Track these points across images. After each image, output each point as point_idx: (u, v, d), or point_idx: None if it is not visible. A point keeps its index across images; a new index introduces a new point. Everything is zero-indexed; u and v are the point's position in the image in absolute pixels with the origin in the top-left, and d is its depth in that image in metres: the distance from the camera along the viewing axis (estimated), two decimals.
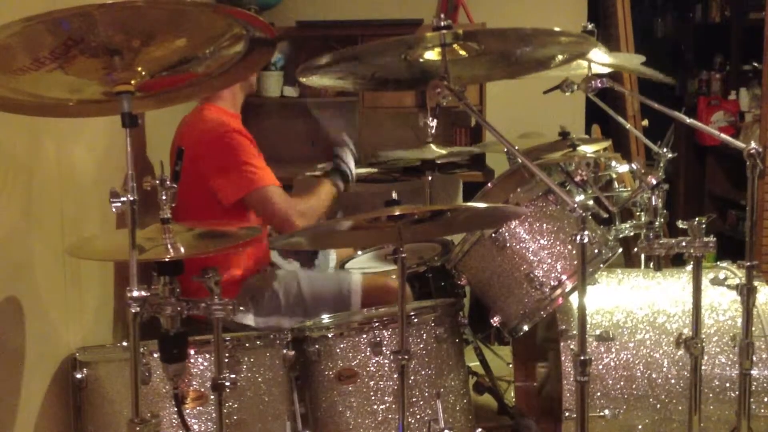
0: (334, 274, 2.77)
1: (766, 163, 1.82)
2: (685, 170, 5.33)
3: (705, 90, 5.32)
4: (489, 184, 2.26)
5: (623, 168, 2.65)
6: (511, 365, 2.99)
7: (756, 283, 1.82)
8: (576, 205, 1.55)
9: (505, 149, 2.45)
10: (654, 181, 2.02)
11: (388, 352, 2.07)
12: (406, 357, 1.79)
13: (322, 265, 2.92)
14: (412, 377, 2.08)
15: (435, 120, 2.38)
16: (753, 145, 1.76)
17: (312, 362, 2.14)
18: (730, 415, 2.12)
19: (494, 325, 2.27)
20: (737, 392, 1.89)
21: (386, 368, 2.08)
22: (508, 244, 2.18)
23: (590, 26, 2.23)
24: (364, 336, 2.09)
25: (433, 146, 3.00)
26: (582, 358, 1.58)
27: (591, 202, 2.22)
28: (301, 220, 2.51)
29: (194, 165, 2.37)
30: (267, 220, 2.59)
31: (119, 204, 1.46)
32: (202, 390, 1.95)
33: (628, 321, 2.22)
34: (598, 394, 2.16)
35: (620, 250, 2.29)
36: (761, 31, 3.77)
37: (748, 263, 1.83)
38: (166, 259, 1.65)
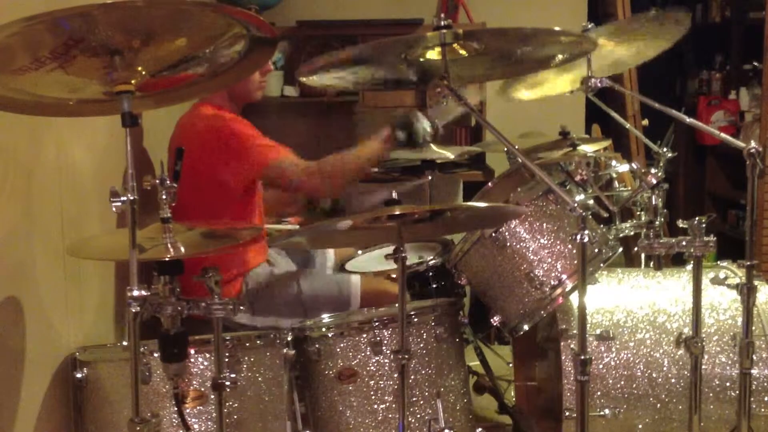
0: (334, 276, 2.76)
1: (766, 162, 1.82)
2: (685, 170, 5.33)
3: (705, 89, 5.33)
4: (489, 184, 2.26)
5: (623, 167, 2.65)
6: (511, 365, 2.99)
7: (756, 283, 1.83)
8: (576, 205, 1.55)
9: (505, 149, 2.45)
10: (654, 181, 2.02)
11: (388, 352, 2.07)
12: (407, 356, 1.79)
13: (320, 265, 2.91)
14: (412, 377, 2.08)
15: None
16: (753, 144, 1.77)
17: (312, 362, 2.14)
18: (730, 414, 2.13)
19: (494, 324, 2.27)
20: (737, 391, 1.89)
21: (386, 368, 2.08)
22: (508, 244, 2.18)
23: (590, 26, 2.23)
24: (364, 335, 2.09)
25: (433, 146, 3.00)
26: (582, 357, 1.59)
27: (591, 202, 2.22)
28: (314, 180, 2.47)
29: (197, 163, 2.37)
30: (285, 190, 2.60)
31: (119, 203, 1.46)
32: (203, 389, 1.94)
33: (629, 320, 2.22)
34: (599, 393, 2.16)
35: (620, 249, 2.29)
36: (761, 31, 3.78)
37: (748, 263, 1.83)
38: (166, 259, 1.64)
